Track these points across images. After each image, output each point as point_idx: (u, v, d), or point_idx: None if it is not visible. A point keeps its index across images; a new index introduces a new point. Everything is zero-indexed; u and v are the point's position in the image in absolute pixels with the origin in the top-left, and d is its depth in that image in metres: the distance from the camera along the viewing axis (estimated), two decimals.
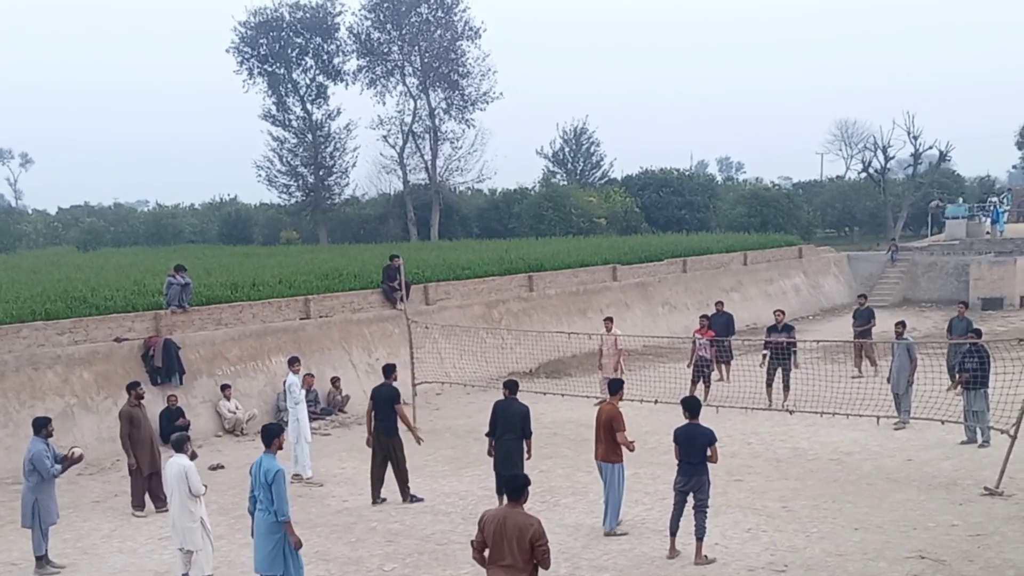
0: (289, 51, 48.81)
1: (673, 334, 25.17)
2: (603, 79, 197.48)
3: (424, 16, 48.90)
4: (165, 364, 16.90)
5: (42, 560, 10.49)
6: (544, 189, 50.36)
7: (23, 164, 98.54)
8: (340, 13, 49.48)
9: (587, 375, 20.81)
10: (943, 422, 14.01)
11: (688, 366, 19.09)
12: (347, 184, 52.17)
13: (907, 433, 15.63)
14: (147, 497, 12.68)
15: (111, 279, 22.18)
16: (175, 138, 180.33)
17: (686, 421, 10.12)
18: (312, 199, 50.02)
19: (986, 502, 11.82)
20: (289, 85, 49.51)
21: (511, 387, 11.97)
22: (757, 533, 10.93)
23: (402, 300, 20.09)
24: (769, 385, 17.90)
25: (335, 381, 19.22)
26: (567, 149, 59.19)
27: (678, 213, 49.57)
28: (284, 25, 48.76)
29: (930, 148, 52.04)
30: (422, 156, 51.04)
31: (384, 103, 50.63)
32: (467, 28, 49.65)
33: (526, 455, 11.66)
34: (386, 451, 12.65)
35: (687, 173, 57.18)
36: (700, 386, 18.42)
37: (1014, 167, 75.71)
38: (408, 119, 50.40)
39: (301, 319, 20.27)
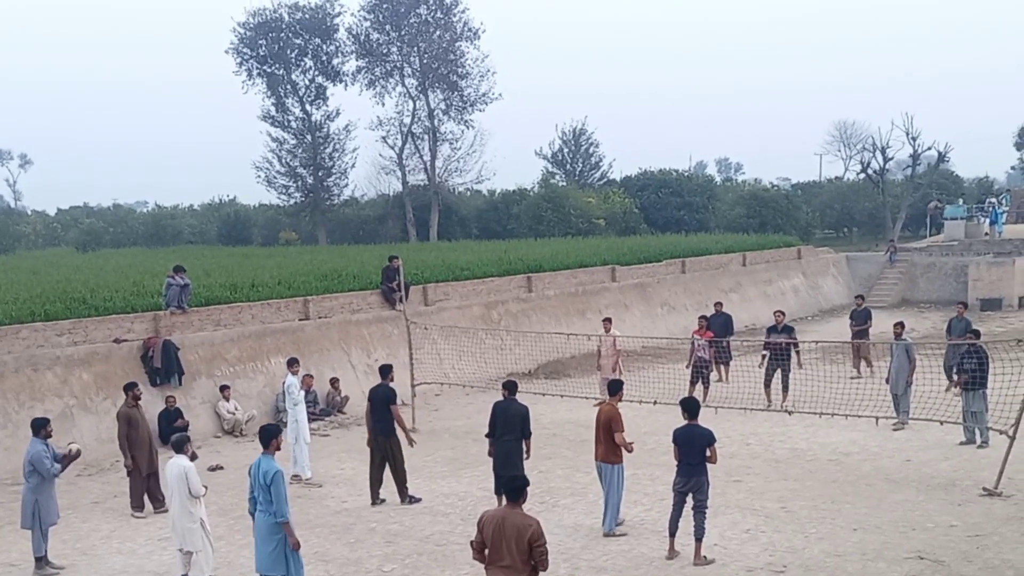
0: (288, 52, 48.77)
1: (672, 335, 25.17)
2: (602, 80, 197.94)
3: (423, 17, 48.86)
4: (164, 365, 16.90)
5: (41, 561, 10.50)
6: (543, 190, 50.26)
7: (22, 165, 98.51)
8: (339, 14, 49.54)
9: (586, 376, 20.83)
10: (942, 423, 14.05)
11: (687, 367, 19.12)
12: (346, 185, 52.27)
13: (906, 434, 15.63)
14: (146, 498, 12.69)
15: (110, 280, 22.17)
16: (175, 139, 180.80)
17: (685, 422, 10.15)
18: (311, 200, 50.00)
19: (985, 503, 11.84)
20: (288, 86, 49.48)
21: (510, 388, 11.99)
22: (756, 534, 10.94)
23: (401, 301, 20.08)
24: (767, 384, 17.92)
25: (334, 382, 19.23)
26: (566, 150, 59.21)
27: (677, 214, 49.55)
28: (283, 26, 48.72)
29: (929, 149, 52.05)
30: (421, 157, 51.01)
31: (383, 104, 50.70)
32: (466, 29, 49.62)
33: (525, 456, 11.68)
34: (384, 452, 12.67)
35: (686, 174, 57.16)
36: (699, 387, 18.47)
37: (1013, 168, 75.83)
38: (407, 120, 50.39)
39: (300, 320, 20.29)
